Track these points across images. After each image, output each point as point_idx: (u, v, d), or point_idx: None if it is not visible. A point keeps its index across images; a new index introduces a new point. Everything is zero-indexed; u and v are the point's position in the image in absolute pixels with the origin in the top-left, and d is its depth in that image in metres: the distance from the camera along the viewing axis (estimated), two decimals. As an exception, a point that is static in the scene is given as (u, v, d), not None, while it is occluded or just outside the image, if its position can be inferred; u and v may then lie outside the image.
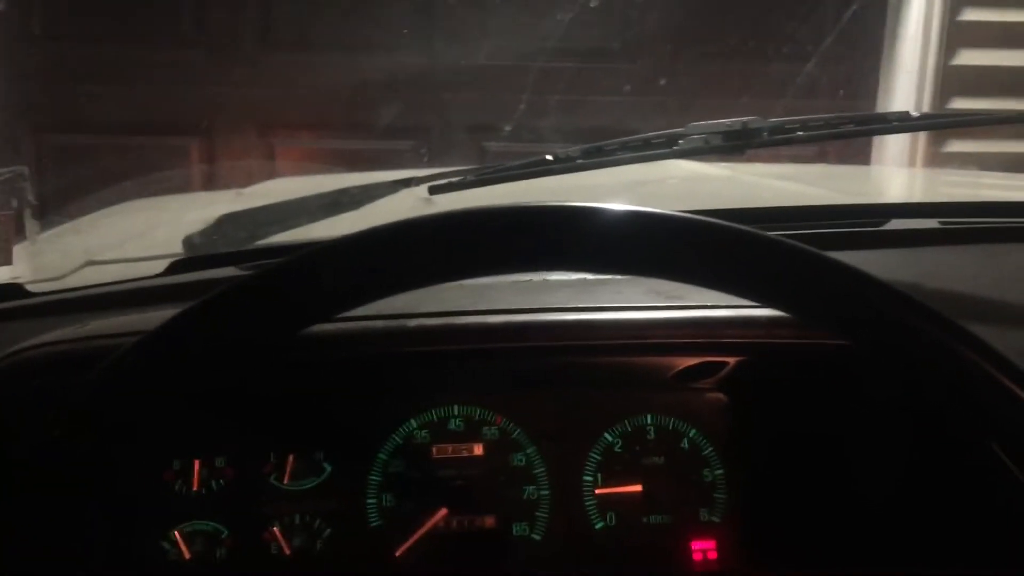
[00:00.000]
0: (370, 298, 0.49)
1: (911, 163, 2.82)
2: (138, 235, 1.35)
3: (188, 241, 1.06)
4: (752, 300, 0.50)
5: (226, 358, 0.49)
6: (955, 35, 2.86)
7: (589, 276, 0.86)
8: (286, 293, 0.48)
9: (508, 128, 2.50)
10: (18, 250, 0.91)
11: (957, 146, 2.83)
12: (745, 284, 0.48)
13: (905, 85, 2.94)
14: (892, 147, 2.86)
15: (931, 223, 1.04)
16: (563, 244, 0.47)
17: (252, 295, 0.48)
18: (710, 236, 0.46)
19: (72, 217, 1.40)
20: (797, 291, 0.47)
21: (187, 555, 0.78)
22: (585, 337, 0.73)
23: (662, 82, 2.77)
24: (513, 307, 0.72)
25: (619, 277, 0.85)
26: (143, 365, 0.49)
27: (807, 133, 1.04)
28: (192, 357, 0.48)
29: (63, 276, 1.04)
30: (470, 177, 1.06)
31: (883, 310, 0.46)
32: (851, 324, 0.47)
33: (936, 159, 2.81)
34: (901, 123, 1.08)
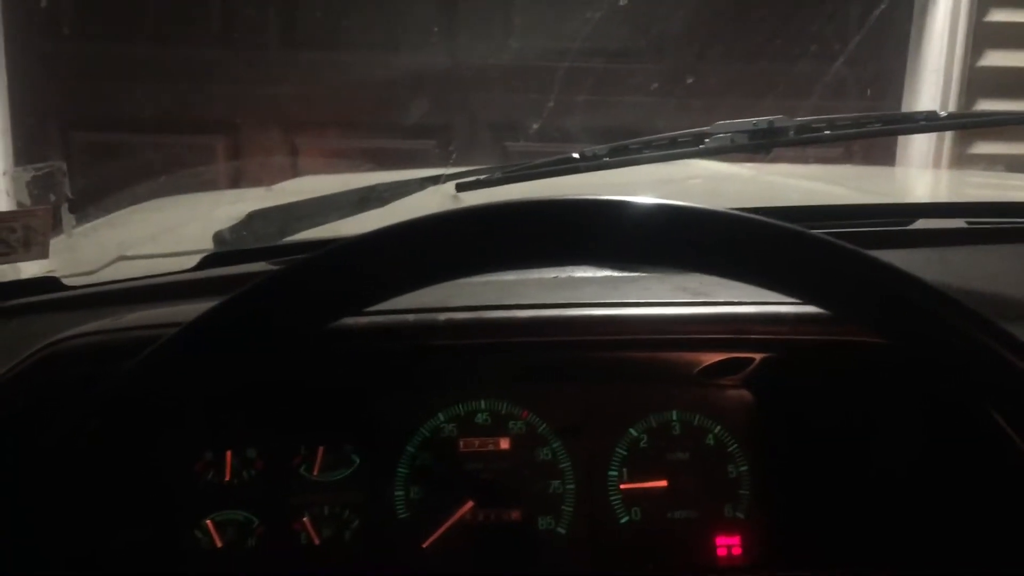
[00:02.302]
0: (403, 290, 0.50)
1: (936, 165, 2.80)
2: (169, 231, 1.37)
3: (218, 237, 1.08)
4: (794, 297, 0.50)
5: (261, 349, 0.50)
6: (981, 36, 2.84)
7: (616, 272, 0.87)
8: (320, 285, 0.49)
9: (533, 128, 2.50)
10: (53, 244, 0.93)
11: (983, 148, 2.81)
12: (790, 281, 0.48)
13: (931, 87, 2.92)
14: (917, 149, 2.85)
15: (958, 223, 1.04)
16: (611, 237, 0.47)
17: (287, 287, 0.49)
18: (758, 233, 0.46)
19: (105, 213, 1.42)
20: (841, 289, 0.47)
21: (219, 544, 0.80)
22: (612, 332, 0.73)
23: (688, 82, 2.77)
24: (541, 302, 0.73)
25: (646, 274, 0.86)
26: (181, 355, 0.50)
27: (834, 132, 1.04)
28: (229, 348, 0.49)
29: (97, 270, 1.06)
30: (497, 174, 1.07)
31: (929, 312, 0.46)
32: (894, 325, 0.47)
33: (962, 161, 2.79)
34: (928, 123, 1.08)
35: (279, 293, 0.49)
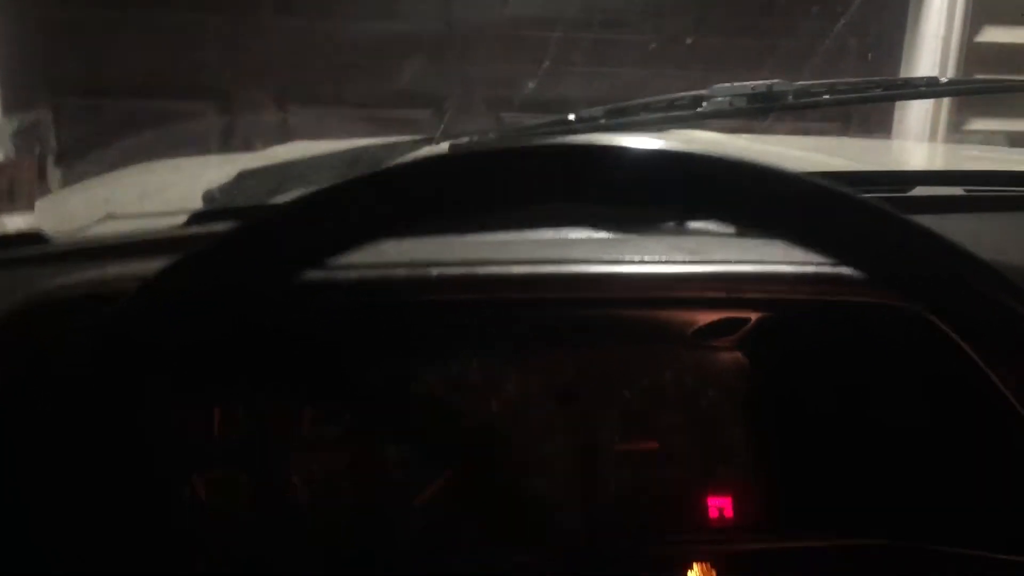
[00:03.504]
0: (380, 236, 0.48)
1: (934, 138, 2.79)
2: (159, 191, 1.35)
3: (208, 195, 1.06)
4: (823, 255, 0.49)
5: (225, 304, 0.48)
6: (980, 11, 2.82)
7: (611, 233, 0.86)
8: (277, 239, 0.48)
9: (526, 97, 2.48)
10: (40, 202, 0.91)
11: (981, 123, 2.80)
12: (822, 239, 0.47)
13: (928, 62, 2.90)
14: (914, 121, 2.84)
15: (957, 191, 1.03)
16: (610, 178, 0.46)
17: (245, 241, 0.48)
18: (790, 187, 0.46)
19: (94, 173, 1.40)
20: (876, 249, 0.46)
21: (206, 501, 0.79)
22: (606, 290, 0.72)
23: (684, 51, 2.75)
24: (536, 258, 0.72)
25: (641, 234, 0.85)
26: (150, 305, 0.48)
27: (833, 96, 1.03)
28: (192, 303, 0.48)
29: (84, 227, 1.04)
30: (491, 135, 1.05)
31: (958, 273, 0.45)
32: (924, 285, 0.47)
33: (960, 135, 2.78)
34: (929, 88, 1.07)
35: (248, 242, 0.48)
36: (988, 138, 2.72)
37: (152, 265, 0.76)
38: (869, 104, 1.07)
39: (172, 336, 0.48)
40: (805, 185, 0.45)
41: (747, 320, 0.79)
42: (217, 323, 0.48)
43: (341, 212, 0.47)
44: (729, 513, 0.82)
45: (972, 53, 2.83)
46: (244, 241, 0.47)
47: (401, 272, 0.70)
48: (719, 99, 1.06)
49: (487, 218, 0.78)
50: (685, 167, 0.45)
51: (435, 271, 0.70)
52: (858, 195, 0.45)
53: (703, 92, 1.08)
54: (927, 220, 0.99)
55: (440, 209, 0.47)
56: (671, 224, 0.87)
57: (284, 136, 2.79)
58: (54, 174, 0.96)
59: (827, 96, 1.04)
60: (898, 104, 2.75)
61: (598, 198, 0.47)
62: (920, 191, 1.03)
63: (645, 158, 0.45)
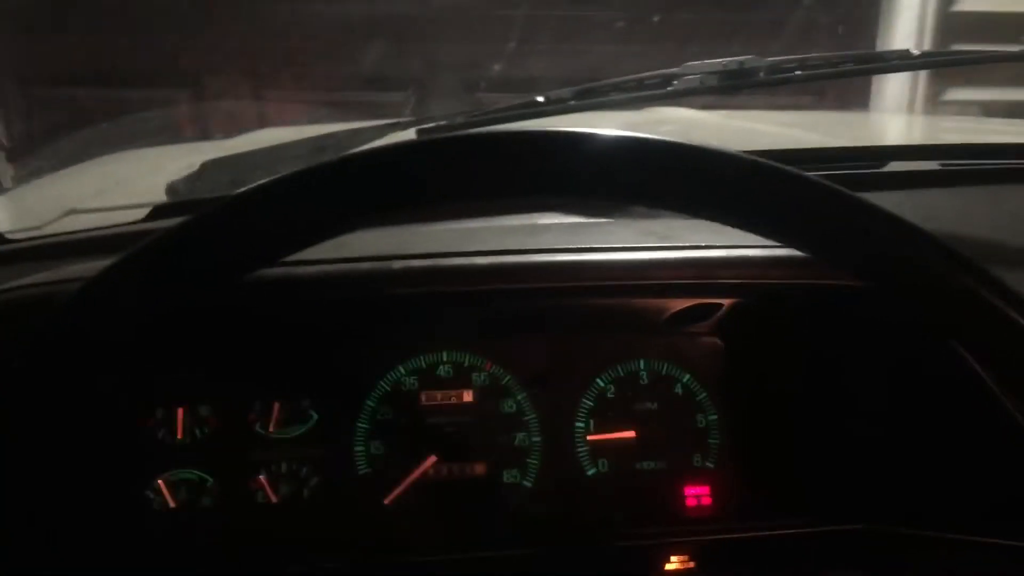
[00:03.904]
0: (341, 230, 0.46)
1: (910, 111, 2.78)
2: (122, 184, 1.32)
3: (171, 188, 1.03)
4: (774, 239, 0.47)
5: (165, 305, 0.46)
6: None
7: (580, 218, 0.84)
8: (215, 239, 0.45)
9: (497, 76, 2.45)
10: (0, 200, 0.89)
11: (957, 94, 2.79)
12: (776, 223, 0.44)
13: (905, 32, 2.89)
14: (891, 94, 2.82)
15: (931, 165, 1.02)
16: (572, 168, 0.44)
17: (182, 243, 0.46)
18: (748, 171, 0.43)
19: (55, 168, 1.37)
20: (826, 231, 0.44)
21: (172, 504, 0.77)
22: (576, 278, 0.71)
23: (654, 26, 2.72)
24: (502, 248, 0.70)
25: (610, 219, 0.83)
26: (101, 297, 0.46)
27: (805, 72, 1.01)
28: (130, 305, 0.46)
29: (44, 224, 1.02)
30: (459, 119, 1.03)
31: (917, 254, 0.43)
32: (877, 266, 0.45)
33: (936, 107, 2.77)
34: (901, 61, 1.05)
35: (201, 235, 0.46)
36: (965, 109, 2.71)
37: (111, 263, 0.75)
38: (842, 79, 1.05)
39: (118, 332, 0.46)
40: (745, 164, 0.43)
41: (720, 306, 0.78)
42: (162, 319, 0.47)
43: (295, 203, 0.45)
44: (707, 501, 0.81)
45: (949, 22, 2.81)
46: (188, 237, 0.46)
47: (364, 266, 0.68)
48: (690, 77, 1.04)
49: (454, 207, 0.77)
50: (629, 152, 0.43)
51: (399, 264, 0.68)
52: (803, 173, 0.43)
53: (675, 70, 1.06)
54: (902, 195, 0.98)
55: (406, 199, 0.45)
56: (639, 208, 0.85)
57: (250, 122, 2.75)
58: (6, 170, 0.94)
59: (799, 72, 1.02)
60: (874, 76, 2.74)
61: (551, 188, 0.45)
62: (895, 166, 1.02)
63: (587, 145, 0.43)
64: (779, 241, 0.46)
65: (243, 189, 0.45)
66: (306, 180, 0.43)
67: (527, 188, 0.44)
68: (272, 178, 0.44)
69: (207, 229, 0.45)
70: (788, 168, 0.42)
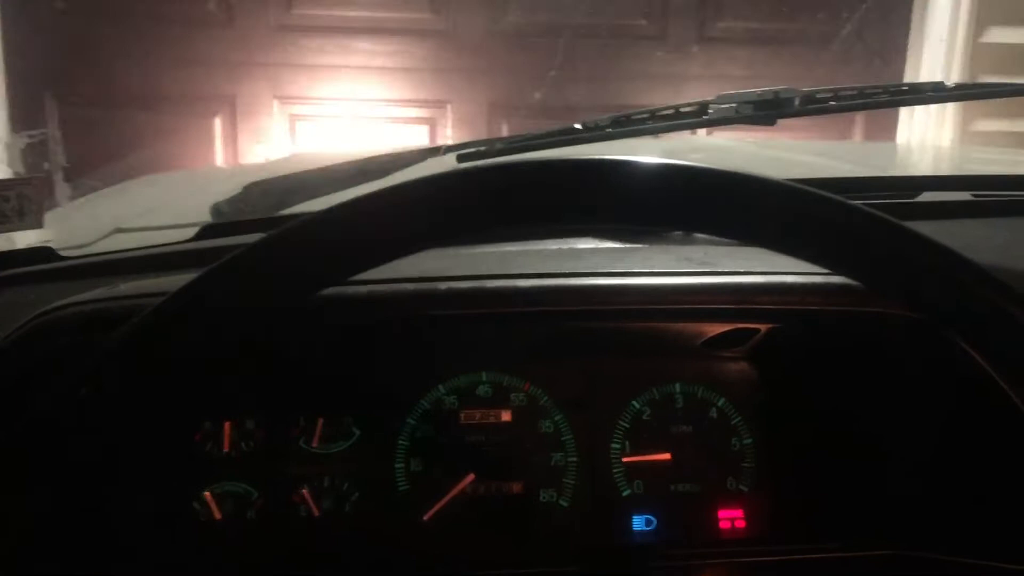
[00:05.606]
0: (398, 254, 0.48)
1: (939, 142, 2.78)
2: (167, 204, 1.36)
3: (216, 209, 1.06)
4: (824, 267, 0.48)
5: (244, 320, 0.48)
6: (985, 11, 2.81)
7: (620, 244, 0.86)
8: (298, 255, 0.47)
9: (531, 105, 2.48)
10: (49, 216, 0.91)
11: (987, 125, 2.79)
12: (822, 250, 0.46)
13: (933, 64, 2.90)
14: (920, 126, 2.83)
15: (964, 195, 1.03)
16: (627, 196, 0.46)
17: (268, 256, 0.47)
18: (789, 199, 0.45)
19: (102, 186, 1.41)
20: (876, 259, 0.45)
21: (218, 516, 0.79)
22: (615, 302, 0.72)
23: (690, 58, 2.75)
24: (543, 271, 0.72)
25: (650, 245, 0.85)
26: (166, 322, 0.48)
27: (839, 103, 1.02)
28: (210, 319, 0.48)
29: (93, 242, 1.05)
30: (498, 145, 1.05)
31: (968, 288, 0.45)
32: (927, 297, 0.46)
33: (965, 138, 2.77)
34: (935, 93, 1.07)
35: (266, 260, 0.48)
36: (995, 139, 2.71)
37: (162, 280, 0.77)
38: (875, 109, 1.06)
39: (190, 352, 0.48)
40: (794, 193, 0.44)
41: (756, 331, 0.79)
42: (234, 340, 0.49)
43: (361, 229, 0.47)
44: (740, 524, 0.82)
45: (977, 54, 2.82)
46: (263, 258, 0.47)
47: (410, 287, 0.70)
48: (725, 106, 1.06)
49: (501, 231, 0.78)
50: (672, 180, 0.45)
51: (443, 285, 0.70)
52: (852, 202, 0.45)
53: (710, 100, 1.08)
54: (934, 225, 1.00)
55: (466, 226, 0.47)
56: (678, 234, 0.87)
57: (290, 145, 2.80)
58: (63, 189, 0.97)
59: (833, 103, 1.04)
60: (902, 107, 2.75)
61: (595, 218, 0.47)
62: (927, 196, 1.03)
63: (631, 174, 0.45)
64: (829, 269, 0.47)
65: (335, 204, 0.46)
66: (396, 197, 0.45)
67: (583, 216, 0.46)
68: (366, 193, 0.46)
69: (296, 243, 0.46)
70: (838, 197, 0.44)
